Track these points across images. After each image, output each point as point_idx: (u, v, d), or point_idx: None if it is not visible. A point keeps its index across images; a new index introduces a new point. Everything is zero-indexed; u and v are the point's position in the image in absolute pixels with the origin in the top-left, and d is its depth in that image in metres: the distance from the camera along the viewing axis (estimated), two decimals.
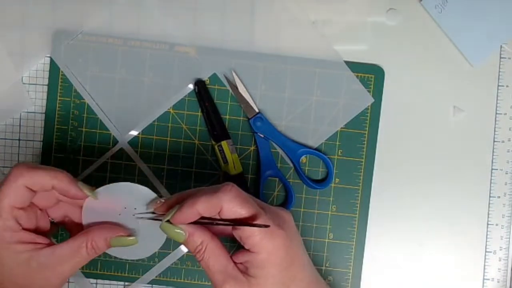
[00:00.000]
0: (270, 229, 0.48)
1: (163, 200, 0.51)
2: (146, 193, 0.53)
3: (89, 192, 0.52)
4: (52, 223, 0.54)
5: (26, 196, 0.50)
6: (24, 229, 0.50)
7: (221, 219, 0.48)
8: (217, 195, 0.47)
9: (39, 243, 0.50)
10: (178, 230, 0.49)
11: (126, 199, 0.53)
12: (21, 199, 0.50)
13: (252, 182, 0.64)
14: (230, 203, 0.47)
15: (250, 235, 0.48)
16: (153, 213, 0.52)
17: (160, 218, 0.51)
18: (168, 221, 0.49)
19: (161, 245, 0.54)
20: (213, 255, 0.49)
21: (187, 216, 0.48)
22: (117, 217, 0.53)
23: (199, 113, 0.64)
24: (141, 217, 0.52)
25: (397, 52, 0.65)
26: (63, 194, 0.51)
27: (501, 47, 0.65)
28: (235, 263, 0.50)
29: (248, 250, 0.49)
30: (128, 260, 0.63)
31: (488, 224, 0.65)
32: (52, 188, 0.50)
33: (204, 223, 0.49)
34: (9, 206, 0.49)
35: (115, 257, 0.64)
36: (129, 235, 0.52)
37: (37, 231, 0.52)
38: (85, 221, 0.53)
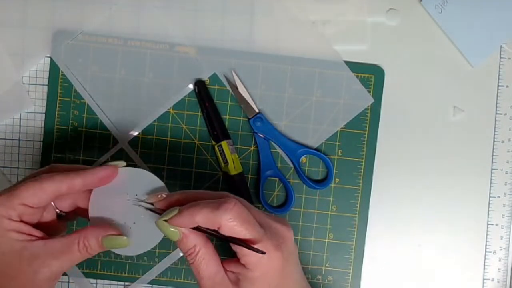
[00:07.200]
0: (267, 249, 0.48)
1: (164, 195, 0.51)
2: (154, 182, 0.53)
3: (116, 163, 0.52)
4: (60, 217, 0.54)
5: (45, 201, 0.50)
6: (22, 221, 0.50)
7: (219, 233, 0.48)
8: (218, 213, 0.47)
9: (33, 235, 0.50)
10: (173, 229, 0.49)
11: (135, 186, 0.52)
12: (38, 201, 0.49)
13: (252, 182, 0.64)
14: (229, 223, 0.47)
15: (247, 254, 0.48)
16: (151, 203, 0.52)
17: (157, 211, 0.51)
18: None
19: (159, 241, 0.53)
20: (204, 261, 0.49)
21: (185, 223, 0.48)
22: (126, 205, 0.52)
23: (199, 113, 0.64)
24: (139, 205, 0.52)
25: (397, 52, 0.65)
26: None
27: (501, 47, 0.65)
28: (226, 270, 0.50)
29: (242, 264, 0.49)
30: (126, 256, 0.63)
31: (488, 224, 0.65)
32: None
33: (201, 231, 0.49)
34: (20, 201, 0.49)
35: (115, 257, 0.64)
36: (121, 235, 0.51)
37: (40, 225, 0.52)
38: (91, 213, 0.52)
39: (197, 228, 0.48)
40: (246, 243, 0.47)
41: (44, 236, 0.50)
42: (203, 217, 0.47)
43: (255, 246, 0.47)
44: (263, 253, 0.47)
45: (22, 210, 0.49)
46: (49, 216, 0.53)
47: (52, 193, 0.49)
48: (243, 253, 0.48)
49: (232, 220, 0.47)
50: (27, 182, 0.49)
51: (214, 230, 0.48)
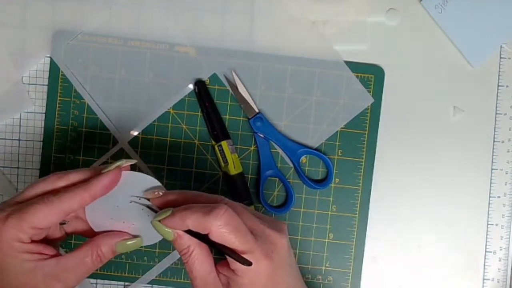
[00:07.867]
0: (256, 258, 0.48)
1: (161, 193, 0.51)
2: (150, 183, 0.52)
3: (117, 164, 0.52)
4: (62, 224, 0.54)
5: (55, 221, 0.51)
6: (33, 241, 0.50)
7: (209, 239, 0.48)
8: (208, 218, 0.47)
9: (45, 254, 0.50)
10: (168, 230, 0.49)
11: (132, 188, 0.52)
12: (48, 223, 0.50)
13: (252, 182, 0.64)
14: (219, 229, 0.47)
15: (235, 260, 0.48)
16: (148, 199, 0.52)
17: (154, 209, 0.51)
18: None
19: (158, 240, 0.53)
20: (198, 261, 0.49)
21: (177, 225, 0.48)
22: (124, 206, 0.52)
23: (199, 113, 0.64)
24: (136, 202, 0.52)
25: (397, 52, 0.65)
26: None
27: (501, 47, 0.65)
28: (218, 272, 0.50)
29: (232, 269, 0.49)
30: (126, 256, 0.63)
31: (488, 224, 0.65)
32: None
33: (192, 235, 0.49)
34: (31, 225, 0.49)
35: (115, 257, 0.63)
36: (133, 237, 0.52)
37: (46, 238, 0.52)
38: (90, 218, 0.52)
39: (189, 232, 0.49)
40: (233, 253, 0.47)
41: (55, 253, 0.51)
42: (193, 221, 0.47)
43: (244, 255, 0.47)
44: (249, 264, 0.47)
45: (33, 232, 0.49)
46: (54, 229, 0.53)
47: (62, 213, 0.50)
48: (231, 259, 0.48)
49: (221, 226, 0.47)
50: (35, 205, 0.49)
51: (205, 235, 0.48)
